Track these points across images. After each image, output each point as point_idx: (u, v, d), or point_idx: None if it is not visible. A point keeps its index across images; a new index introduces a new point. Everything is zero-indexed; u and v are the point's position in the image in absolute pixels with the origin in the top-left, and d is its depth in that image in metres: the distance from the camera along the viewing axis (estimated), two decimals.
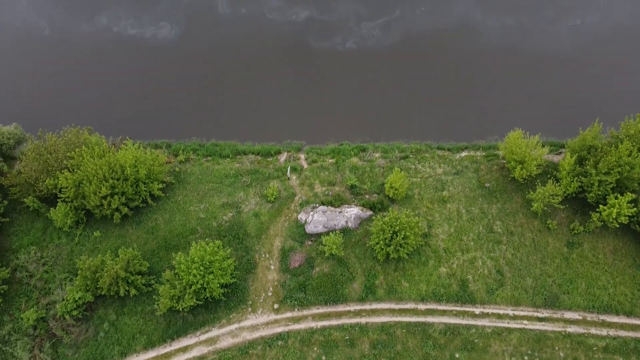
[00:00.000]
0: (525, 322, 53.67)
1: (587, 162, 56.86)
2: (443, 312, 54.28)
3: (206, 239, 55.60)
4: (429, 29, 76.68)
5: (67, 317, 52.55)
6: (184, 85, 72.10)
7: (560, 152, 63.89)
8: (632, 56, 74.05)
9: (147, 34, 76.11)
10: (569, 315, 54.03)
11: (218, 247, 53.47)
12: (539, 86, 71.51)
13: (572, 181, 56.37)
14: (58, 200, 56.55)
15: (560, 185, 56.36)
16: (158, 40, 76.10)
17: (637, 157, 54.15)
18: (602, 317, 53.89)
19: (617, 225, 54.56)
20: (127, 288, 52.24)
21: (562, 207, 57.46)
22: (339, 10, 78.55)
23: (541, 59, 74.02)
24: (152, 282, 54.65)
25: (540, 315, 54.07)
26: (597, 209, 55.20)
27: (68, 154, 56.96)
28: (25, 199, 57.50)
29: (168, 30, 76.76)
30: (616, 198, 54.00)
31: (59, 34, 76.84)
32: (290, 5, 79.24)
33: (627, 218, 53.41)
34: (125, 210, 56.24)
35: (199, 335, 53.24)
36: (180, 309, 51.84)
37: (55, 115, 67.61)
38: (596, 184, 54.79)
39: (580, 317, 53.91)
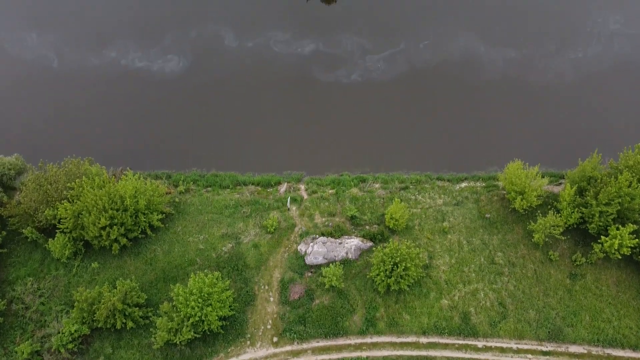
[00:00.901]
0: (530, 356, 52.61)
1: (587, 192, 56.84)
2: (445, 346, 53.27)
3: (205, 271, 55.06)
4: (432, 62, 77.94)
5: (62, 350, 51.57)
6: (186, 116, 72.80)
7: (560, 183, 63.95)
8: (631, 88, 75.03)
9: (154, 67, 77.33)
10: (573, 349, 53.00)
11: (217, 279, 52.91)
12: (538, 117, 72.15)
13: (573, 212, 56.22)
14: (57, 231, 56.28)
15: (561, 216, 56.17)
16: (165, 73, 77.18)
17: (637, 188, 54.14)
18: (608, 351, 52.86)
19: (620, 257, 54.10)
20: (124, 320, 51.46)
21: (563, 238, 57.12)
22: (345, 44, 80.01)
23: (540, 90, 74.94)
24: (150, 314, 53.86)
25: (544, 349, 53.06)
26: (599, 240, 54.83)
27: (68, 184, 57.02)
28: (24, 230, 57.24)
29: (175, 63, 77.96)
30: (617, 229, 53.72)
31: (67, 66, 78.11)
32: (297, 39, 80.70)
33: (629, 249, 53.01)
34: (124, 241, 55.92)
35: None
36: (178, 342, 50.91)
37: (58, 146, 68.04)
38: (597, 214, 54.61)
39: (585, 351, 52.87)
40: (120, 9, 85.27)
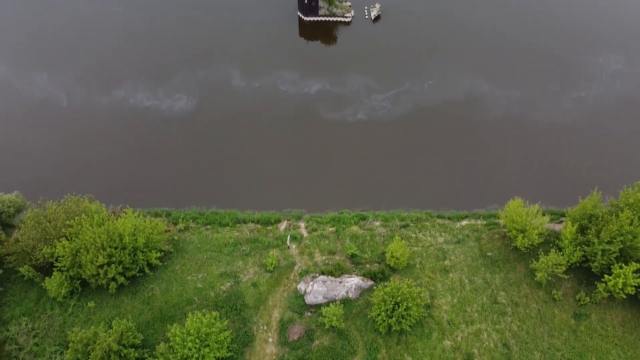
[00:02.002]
0: None
1: (588, 231, 56.51)
2: None
3: (203, 310, 54.11)
4: (436, 101, 79.33)
5: None
6: (188, 153, 73.40)
7: (561, 221, 63.67)
8: (630, 126, 75.85)
9: (163, 106, 78.59)
10: None
11: (215, 319, 51.93)
12: (537, 155, 72.77)
13: (575, 250, 55.75)
14: (54, 269, 55.66)
15: (563, 255, 55.66)
16: (173, 112, 78.26)
17: (638, 226, 53.86)
18: None
19: (624, 296, 53.30)
20: None
21: (566, 276, 56.41)
22: (351, 83, 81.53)
23: (540, 128, 75.95)
24: (146, 355, 52.53)
25: None
26: (603, 279, 54.15)
27: (67, 222, 56.78)
28: (20, 268, 56.61)
29: (184, 102, 79.34)
30: (621, 268, 53.14)
31: (75, 105, 79.33)
32: (304, 79, 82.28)
33: (633, 288, 52.27)
34: (121, 279, 55.20)
35: None
36: None
37: (59, 183, 68.33)
38: (599, 253, 54.12)
39: None
40: (130, 50, 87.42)
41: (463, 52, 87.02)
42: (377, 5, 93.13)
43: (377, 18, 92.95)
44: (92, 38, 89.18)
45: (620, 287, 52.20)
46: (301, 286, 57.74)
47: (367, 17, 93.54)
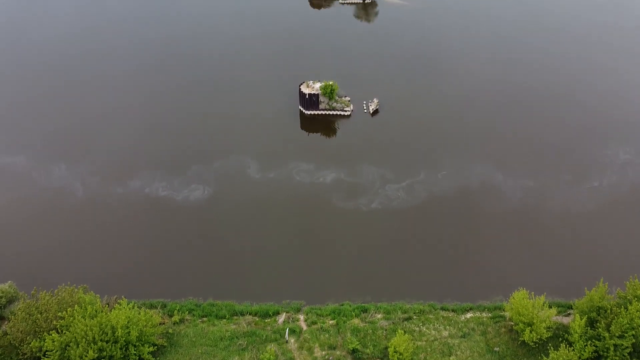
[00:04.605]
0: None
1: (598, 324, 54.56)
2: None
3: None
4: (449, 191, 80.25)
5: None
6: (190, 243, 73.09)
7: (569, 314, 61.70)
8: (633, 216, 76.04)
9: (179, 197, 79.55)
10: None
11: None
12: (542, 245, 72.29)
13: (586, 345, 53.45)
14: None
15: (574, 350, 53.27)
16: (178, 202, 79.05)
17: None
18: None
19: None
20: None
21: None
22: (366, 173, 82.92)
23: (546, 218, 76.00)
24: None
25: None
26: None
27: (59, 313, 55.02)
28: None
29: (201, 192, 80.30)
30: None
31: (90, 195, 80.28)
32: (319, 169, 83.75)
33: None
34: None
35: None
36: None
37: (57, 272, 67.44)
38: (612, 348, 51.86)
39: None
40: (147, 142, 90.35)
41: (477, 142, 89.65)
42: (375, 100, 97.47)
43: (376, 112, 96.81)
44: (112, 131, 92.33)
45: None
46: None
47: (365, 111, 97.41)
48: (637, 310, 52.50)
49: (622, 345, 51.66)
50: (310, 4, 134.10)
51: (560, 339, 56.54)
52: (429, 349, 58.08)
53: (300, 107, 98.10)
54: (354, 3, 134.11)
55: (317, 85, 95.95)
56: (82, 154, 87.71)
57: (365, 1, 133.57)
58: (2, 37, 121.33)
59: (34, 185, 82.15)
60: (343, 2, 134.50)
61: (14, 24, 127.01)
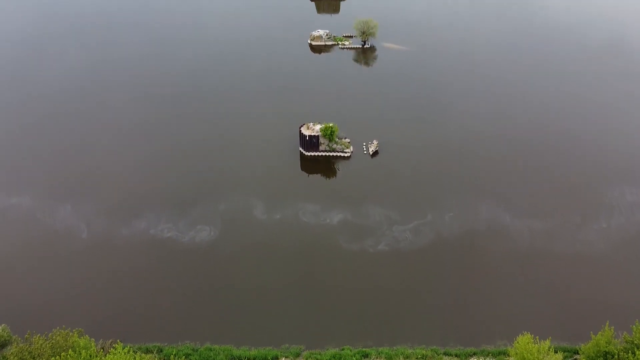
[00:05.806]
0: None
1: None
2: None
3: None
4: (456, 232, 79.73)
5: None
6: (189, 286, 72.03)
7: (575, 359, 60.10)
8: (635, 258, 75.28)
9: (185, 238, 78.87)
10: None
11: None
12: (547, 287, 71.20)
13: None
14: None
15: None
16: (183, 243, 78.34)
17: None
18: None
19: None
20: None
21: None
22: (372, 215, 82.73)
23: (550, 261, 75.15)
24: None
25: None
26: None
27: (52, 358, 53.50)
28: None
29: (207, 233, 79.65)
30: None
31: (96, 237, 79.54)
32: (325, 210, 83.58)
33: None
34: None
35: None
36: None
37: (54, 313, 66.08)
38: None
39: None
40: (153, 181, 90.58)
41: (484, 183, 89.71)
42: (375, 142, 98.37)
43: (375, 153, 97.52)
44: (118, 173, 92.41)
45: None
46: None
47: (365, 152, 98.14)
48: None
49: None
50: (311, 49, 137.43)
51: None
52: None
53: (300, 149, 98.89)
54: (354, 48, 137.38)
55: (317, 127, 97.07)
56: (88, 192, 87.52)
57: (365, 46, 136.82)
58: (3, 78, 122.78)
59: (39, 225, 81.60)
60: (343, 47, 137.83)
61: (17, 62, 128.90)
